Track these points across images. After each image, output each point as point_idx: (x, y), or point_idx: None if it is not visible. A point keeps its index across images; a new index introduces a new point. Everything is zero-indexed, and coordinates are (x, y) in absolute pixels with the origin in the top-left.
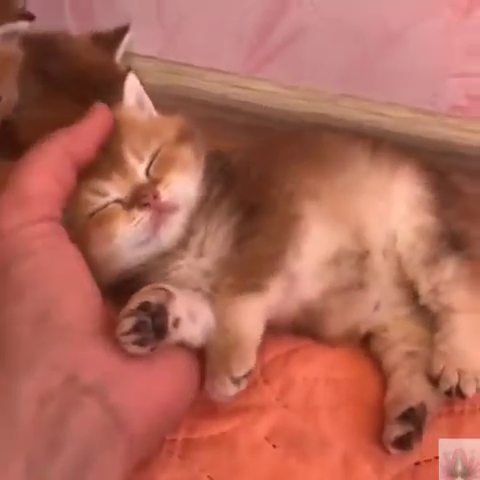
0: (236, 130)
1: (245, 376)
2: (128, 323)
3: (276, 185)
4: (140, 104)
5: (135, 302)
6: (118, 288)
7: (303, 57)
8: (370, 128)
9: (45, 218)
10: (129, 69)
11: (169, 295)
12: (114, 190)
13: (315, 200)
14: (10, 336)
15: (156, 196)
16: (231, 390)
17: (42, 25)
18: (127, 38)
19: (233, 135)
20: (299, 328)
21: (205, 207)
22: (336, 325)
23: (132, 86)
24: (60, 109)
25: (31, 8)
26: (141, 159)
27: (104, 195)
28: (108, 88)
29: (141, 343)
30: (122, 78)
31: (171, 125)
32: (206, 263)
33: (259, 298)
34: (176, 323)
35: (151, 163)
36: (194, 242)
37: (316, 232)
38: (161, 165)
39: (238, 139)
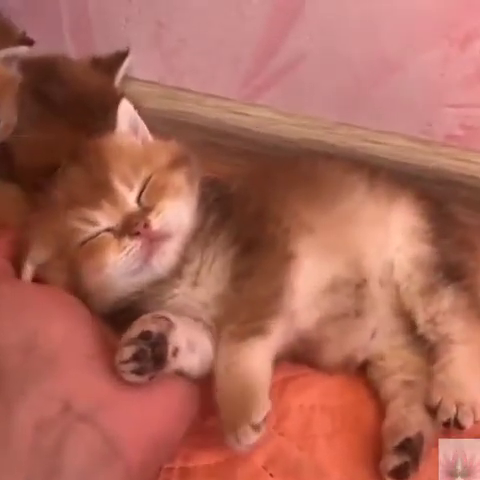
0: (232, 155)
1: (264, 419)
2: (128, 351)
3: (273, 220)
4: (134, 129)
5: (136, 330)
6: (114, 316)
7: (300, 85)
8: (365, 156)
9: None
10: (123, 95)
11: (170, 324)
12: (104, 219)
13: (310, 234)
14: (1, 366)
15: (147, 224)
16: (253, 437)
17: (42, 49)
18: (127, 62)
19: (229, 160)
20: (296, 355)
21: (200, 236)
22: (333, 353)
23: (125, 112)
24: (58, 133)
25: (31, 32)
26: (131, 187)
27: (94, 224)
28: (106, 113)
29: (140, 372)
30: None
31: (164, 151)
32: (203, 294)
33: (263, 342)
34: (175, 352)
35: (142, 191)
36: (189, 271)
37: (309, 266)
38: (152, 192)
39: (233, 164)
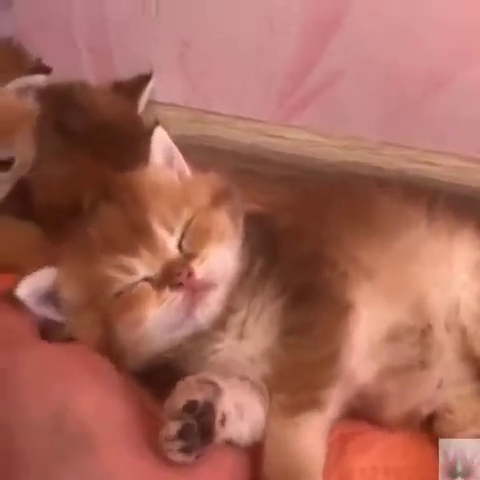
0: (267, 182)
1: None
2: (173, 428)
3: (328, 264)
4: (169, 161)
5: (180, 401)
6: (149, 374)
7: (339, 103)
8: (415, 178)
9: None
10: (157, 122)
11: (217, 390)
12: (143, 267)
13: (369, 278)
14: (24, 451)
15: (190, 274)
16: None
17: (56, 75)
18: (150, 86)
19: (264, 187)
20: (353, 411)
21: (247, 282)
22: (395, 408)
23: (160, 142)
24: (79, 166)
25: (46, 59)
26: (171, 231)
27: (132, 273)
28: (131, 142)
29: (187, 450)
30: (145, 132)
31: (204, 186)
32: (249, 348)
33: (318, 416)
34: (223, 421)
35: (183, 235)
36: (234, 322)
37: (368, 314)
38: (195, 237)
39: (269, 191)
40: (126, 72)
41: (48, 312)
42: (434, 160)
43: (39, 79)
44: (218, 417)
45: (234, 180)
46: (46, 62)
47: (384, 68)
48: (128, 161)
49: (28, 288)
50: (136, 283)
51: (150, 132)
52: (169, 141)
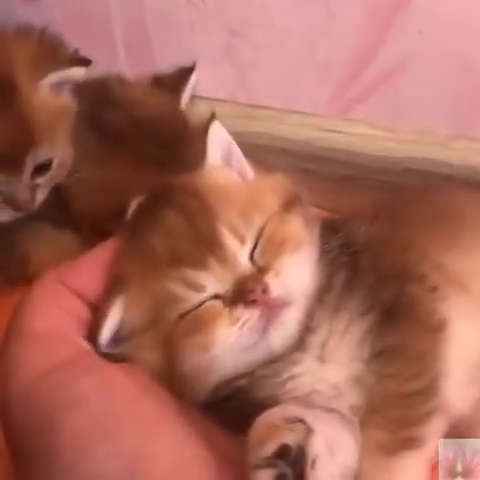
0: (324, 181)
1: None
2: (265, 477)
3: (416, 276)
4: (227, 161)
5: (268, 445)
6: (215, 404)
7: (405, 93)
8: None
9: (73, 355)
10: (213, 116)
11: (308, 431)
12: (212, 283)
13: (461, 289)
14: None
15: (265, 290)
16: None
17: (93, 70)
18: (193, 79)
19: (321, 187)
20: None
21: (328, 298)
22: None
23: (217, 138)
24: (120, 168)
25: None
26: (243, 241)
27: (199, 289)
28: (175, 142)
29: None
30: (191, 128)
31: (273, 189)
32: (333, 373)
33: (420, 454)
34: (313, 463)
35: (255, 245)
36: (314, 343)
37: (465, 332)
38: (268, 247)
39: (327, 191)
40: (167, 65)
41: (123, 347)
42: None
43: (78, 72)
44: (309, 461)
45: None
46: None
47: (456, 55)
48: (173, 161)
49: (110, 331)
50: (204, 301)
51: (201, 129)
52: (228, 137)
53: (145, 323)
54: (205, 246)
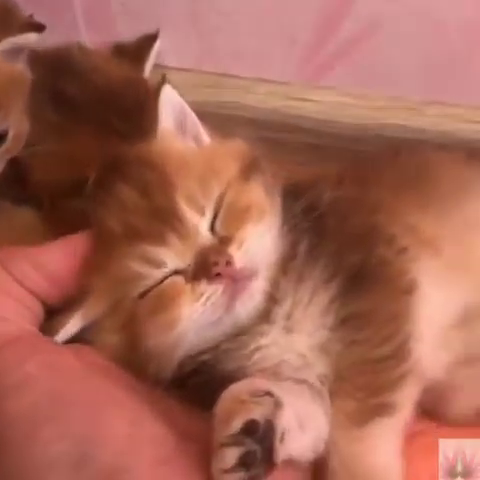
0: (293, 152)
1: None
2: (231, 456)
3: (384, 238)
4: (181, 126)
5: (235, 422)
6: (181, 380)
7: (375, 59)
8: (462, 138)
9: (20, 335)
10: (164, 79)
11: (276, 404)
12: (172, 258)
13: (433, 252)
14: None
15: (229, 262)
16: None
17: (50, 38)
18: (156, 47)
19: (290, 158)
20: (415, 408)
21: (292, 266)
22: (465, 402)
23: (169, 103)
24: (81, 140)
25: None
26: (202, 212)
27: (159, 266)
28: (138, 112)
29: None
30: (154, 97)
31: (231, 154)
32: (300, 343)
33: (392, 421)
34: (282, 437)
35: (216, 215)
36: (279, 313)
37: (435, 294)
38: (229, 217)
39: (296, 162)
40: (129, 33)
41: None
42: None
43: (31, 38)
44: (278, 436)
45: (260, 151)
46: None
47: (428, 17)
48: (136, 133)
49: (67, 335)
50: (165, 277)
51: (156, 95)
52: (180, 100)
53: (107, 309)
54: (163, 220)
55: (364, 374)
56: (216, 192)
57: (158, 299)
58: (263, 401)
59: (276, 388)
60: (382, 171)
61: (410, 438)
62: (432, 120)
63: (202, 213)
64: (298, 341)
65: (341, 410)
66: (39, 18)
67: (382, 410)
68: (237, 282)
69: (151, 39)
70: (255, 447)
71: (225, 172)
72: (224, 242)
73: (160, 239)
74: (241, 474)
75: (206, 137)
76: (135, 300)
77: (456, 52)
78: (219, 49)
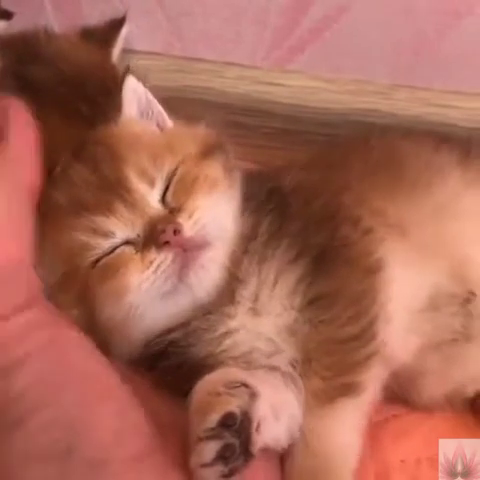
0: (263, 137)
1: None
2: (209, 450)
3: (349, 219)
4: (146, 114)
5: (213, 415)
6: (151, 361)
7: (343, 42)
8: (432, 123)
9: (28, 301)
10: (127, 70)
11: (252, 395)
12: (121, 228)
13: (399, 234)
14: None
15: (177, 230)
16: None
17: (16, 23)
18: (124, 32)
19: (261, 143)
20: (386, 394)
21: (253, 247)
22: (434, 387)
23: (133, 92)
24: (48, 126)
25: (3, 3)
26: (152, 184)
27: (108, 236)
28: (105, 96)
29: (229, 475)
30: (119, 87)
31: (191, 138)
32: (268, 326)
33: (355, 401)
34: (258, 427)
35: (167, 188)
36: (244, 294)
37: (402, 277)
38: (180, 189)
39: (266, 147)
40: (96, 17)
41: None
42: (454, 102)
43: None
44: (254, 426)
45: (226, 135)
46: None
47: (398, 2)
48: (102, 117)
49: None
50: (115, 247)
51: (121, 84)
52: (143, 90)
53: (59, 280)
54: (111, 191)
55: (331, 354)
56: (168, 166)
57: (108, 268)
58: (239, 392)
59: (251, 378)
60: (350, 156)
61: (381, 423)
62: (401, 104)
63: (152, 185)
64: (266, 324)
65: (308, 389)
66: (7, 3)
67: (348, 390)
68: (188, 251)
69: (119, 23)
70: (233, 440)
71: (181, 150)
72: (174, 212)
73: (107, 209)
74: (220, 467)
75: (170, 123)
76: (86, 271)
77: (425, 36)
78: (188, 33)
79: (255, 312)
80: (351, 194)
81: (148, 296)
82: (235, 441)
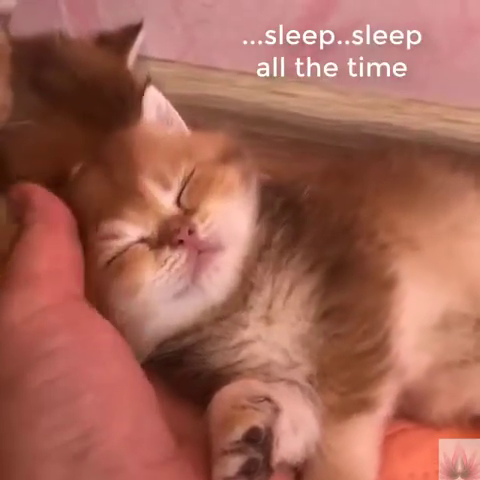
0: (277, 147)
1: None
2: (234, 464)
3: (364, 234)
4: (165, 121)
5: (238, 429)
6: (169, 369)
7: (358, 55)
8: (443, 138)
9: (62, 299)
10: (149, 80)
11: (275, 410)
12: (133, 227)
13: (414, 251)
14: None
15: (192, 230)
16: None
17: (32, 27)
18: (140, 38)
19: (274, 153)
20: (395, 410)
21: (268, 256)
22: (444, 406)
23: (153, 100)
24: (63, 130)
25: (18, 7)
26: (168, 186)
27: (119, 236)
28: (121, 102)
29: None
30: (137, 89)
31: (209, 144)
32: (281, 335)
33: (371, 417)
34: (278, 441)
35: (182, 191)
36: (258, 300)
37: (416, 293)
38: (195, 190)
39: (279, 157)
40: (112, 23)
41: None
42: (466, 118)
43: (7, 4)
44: (276, 441)
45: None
46: (19, 12)
47: (409, 13)
48: (118, 123)
49: None
50: (129, 245)
51: (139, 87)
52: (164, 100)
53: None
54: (126, 194)
55: (346, 369)
56: (184, 169)
57: (121, 265)
58: (263, 407)
59: (273, 392)
60: (367, 169)
61: (390, 437)
62: (413, 119)
63: (167, 187)
64: (280, 332)
65: (325, 404)
66: (21, 3)
67: (364, 405)
68: (202, 253)
69: (135, 30)
70: (258, 455)
71: (199, 154)
72: (188, 213)
73: (122, 211)
74: None
75: (188, 131)
76: (101, 270)
77: (439, 51)
78: (203, 41)
79: (268, 320)
80: (367, 207)
81: (161, 294)
82: (259, 456)
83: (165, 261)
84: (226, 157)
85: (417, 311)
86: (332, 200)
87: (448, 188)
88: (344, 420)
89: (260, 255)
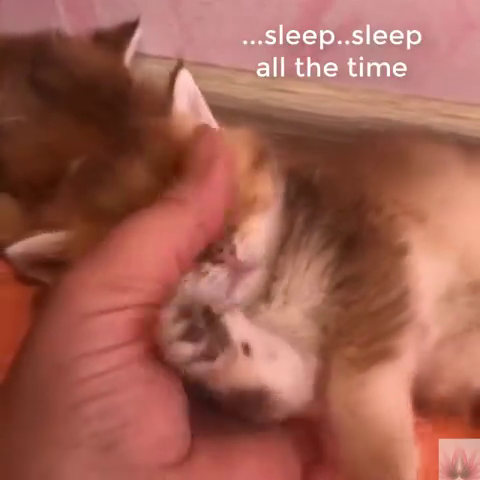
0: (277, 144)
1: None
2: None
3: (372, 208)
4: (195, 111)
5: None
6: None
7: (357, 52)
8: (443, 133)
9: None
10: (180, 64)
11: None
12: None
13: (420, 222)
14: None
15: (233, 252)
16: None
17: (29, 25)
18: (137, 36)
19: (274, 150)
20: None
21: (288, 245)
22: (446, 384)
23: (185, 87)
24: (62, 129)
25: (16, 4)
26: None
27: None
28: (118, 99)
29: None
30: (135, 86)
31: (243, 145)
32: (293, 313)
33: (393, 367)
34: (247, 350)
35: None
36: (279, 289)
37: (423, 264)
38: (238, 207)
39: (279, 155)
40: (109, 20)
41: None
42: (464, 113)
43: None
44: (236, 337)
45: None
46: (16, 10)
47: (407, 8)
48: (115, 121)
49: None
50: None
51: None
52: (195, 87)
53: None
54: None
55: (364, 325)
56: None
57: None
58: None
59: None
60: (363, 152)
61: None
62: (412, 114)
63: None
64: (291, 312)
65: (344, 357)
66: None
67: (384, 355)
68: (238, 272)
69: (131, 27)
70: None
71: (238, 162)
72: (230, 231)
73: None
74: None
75: (216, 125)
76: None
77: (437, 47)
78: (200, 38)
79: (286, 303)
80: (371, 186)
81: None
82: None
83: (207, 273)
84: (259, 160)
85: (427, 282)
86: (340, 180)
87: (437, 162)
88: (366, 370)
89: (283, 247)
